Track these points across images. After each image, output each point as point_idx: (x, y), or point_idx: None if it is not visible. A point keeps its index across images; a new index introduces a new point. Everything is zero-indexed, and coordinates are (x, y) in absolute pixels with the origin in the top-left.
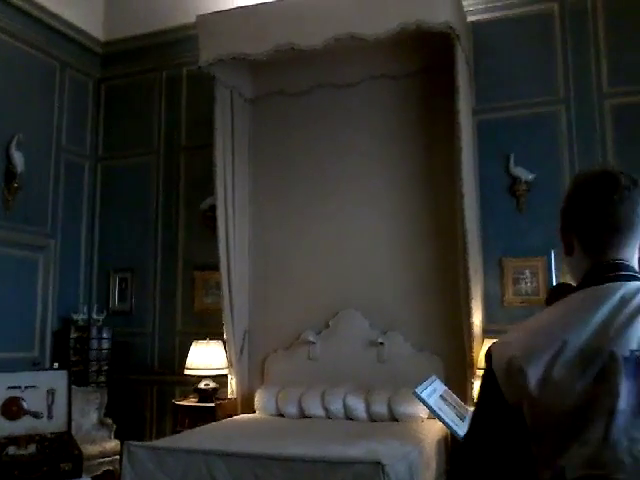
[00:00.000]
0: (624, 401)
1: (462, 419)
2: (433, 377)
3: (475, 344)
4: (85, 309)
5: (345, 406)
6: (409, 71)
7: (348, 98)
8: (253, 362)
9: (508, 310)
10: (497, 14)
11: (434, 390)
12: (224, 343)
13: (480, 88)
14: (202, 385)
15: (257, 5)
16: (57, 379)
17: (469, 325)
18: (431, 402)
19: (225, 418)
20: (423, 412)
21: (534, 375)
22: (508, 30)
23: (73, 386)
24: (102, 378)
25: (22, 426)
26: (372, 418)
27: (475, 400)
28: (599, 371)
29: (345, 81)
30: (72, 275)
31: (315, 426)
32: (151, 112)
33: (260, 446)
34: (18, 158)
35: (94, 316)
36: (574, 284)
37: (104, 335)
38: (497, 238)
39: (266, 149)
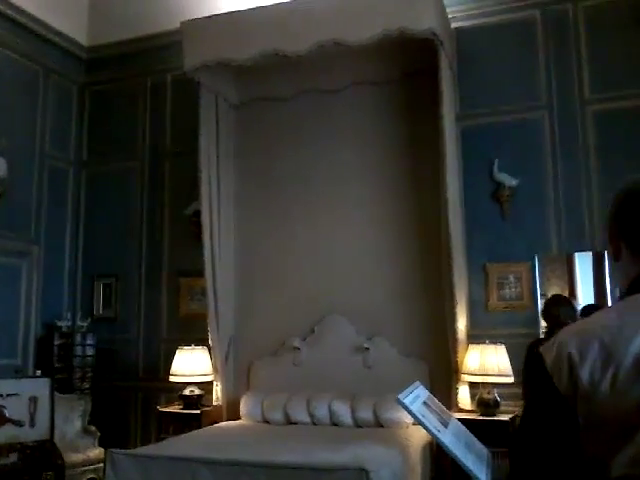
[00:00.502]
0: None
1: (445, 425)
2: (417, 383)
3: (460, 349)
4: (69, 315)
5: (331, 412)
6: (393, 77)
7: (332, 104)
8: (238, 368)
9: (492, 315)
10: (480, 21)
11: (417, 396)
12: (209, 349)
13: (464, 94)
14: (187, 392)
15: (241, 11)
16: (40, 386)
17: (454, 330)
18: (414, 409)
19: (210, 425)
20: (408, 418)
21: (587, 376)
22: (491, 37)
23: (57, 393)
24: (86, 385)
25: (3, 435)
26: (358, 424)
27: (525, 393)
28: None
29: (330, 87)
30: (56, 281)
31: (300, 432)
32: (136, 118)
33: (245, 453)
34: (1, 164)
35: (78, 322)
36: (622, 289)
37: (88, 342)
38: (481, 243)
39: (251, 155)
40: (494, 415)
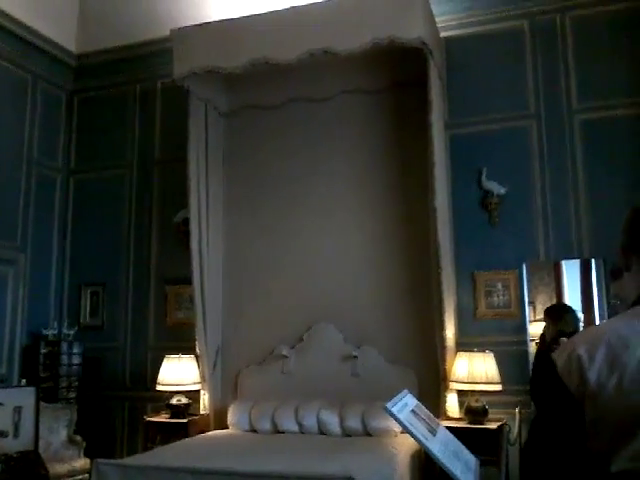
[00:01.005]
0: None
1: (433, 433)
2: (405, 391)
3: (448, 357)
4: (55, 324)
5: (319, 421)
6: (383, 85)
7: (322, 112)
8: (226, 377)
9: (481, 323)
10: (469, 30)
11: (405, 405)
12: (197, 358)
13: (453, 103)
14: (174, 401)
15: (232, 19)
16: (25, 396)
17: (442, 338)
18: (402, 417)
19: (198, 434)
20: (397, 427)
21: (595, 377)
22: (480, 46)
23: (42, 403)
24: (72, 394)
25: None
26: (346, 433)
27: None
28: None
29: (319, 95)
30: (42, 290)
31: (288, 441)
32: (124, 125)
33: (233, 463)
34: None
35: (65, 331)
36: (631, 298)
37: (75, 350)
38: (470, 252)
39: (240, 163)
40: (482, 423)
